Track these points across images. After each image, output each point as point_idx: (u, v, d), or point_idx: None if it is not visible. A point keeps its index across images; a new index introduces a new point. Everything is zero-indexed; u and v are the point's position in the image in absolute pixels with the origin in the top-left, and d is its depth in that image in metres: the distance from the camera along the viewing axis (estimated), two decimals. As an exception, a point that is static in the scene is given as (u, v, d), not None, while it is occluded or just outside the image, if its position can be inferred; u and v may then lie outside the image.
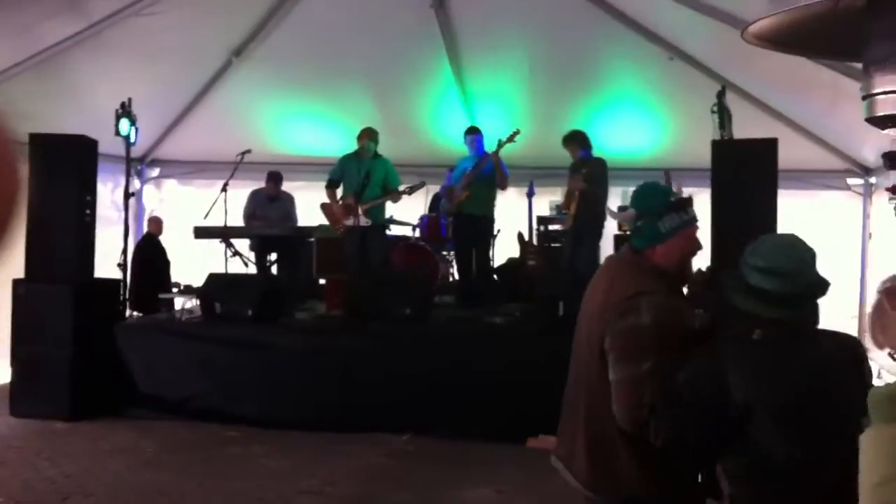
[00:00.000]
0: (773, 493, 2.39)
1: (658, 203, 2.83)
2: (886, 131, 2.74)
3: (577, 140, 8.76)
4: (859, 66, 2.85)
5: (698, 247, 2.87)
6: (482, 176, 8.82)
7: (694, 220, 2.84)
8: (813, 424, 2.37)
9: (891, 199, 2.77)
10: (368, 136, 8.69)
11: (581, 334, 2.90)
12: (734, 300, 2.52)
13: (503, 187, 8.99)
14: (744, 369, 2.41)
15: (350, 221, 8.57)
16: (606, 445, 2.73)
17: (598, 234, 8.74)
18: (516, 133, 8.75)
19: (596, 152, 8.89)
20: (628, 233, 9.04)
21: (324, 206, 8.98)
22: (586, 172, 8.38)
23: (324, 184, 8.96)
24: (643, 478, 2.70)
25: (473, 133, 9.12)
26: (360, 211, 8.55)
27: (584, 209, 8.49)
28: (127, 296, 8.57)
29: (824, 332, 2.57)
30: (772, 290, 2.44)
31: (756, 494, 2.42)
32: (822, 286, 2.46)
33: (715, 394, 2.42)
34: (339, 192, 8.90)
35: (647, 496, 2.72)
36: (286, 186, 10.42)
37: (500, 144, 8.73)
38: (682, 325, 2.69)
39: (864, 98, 2.74)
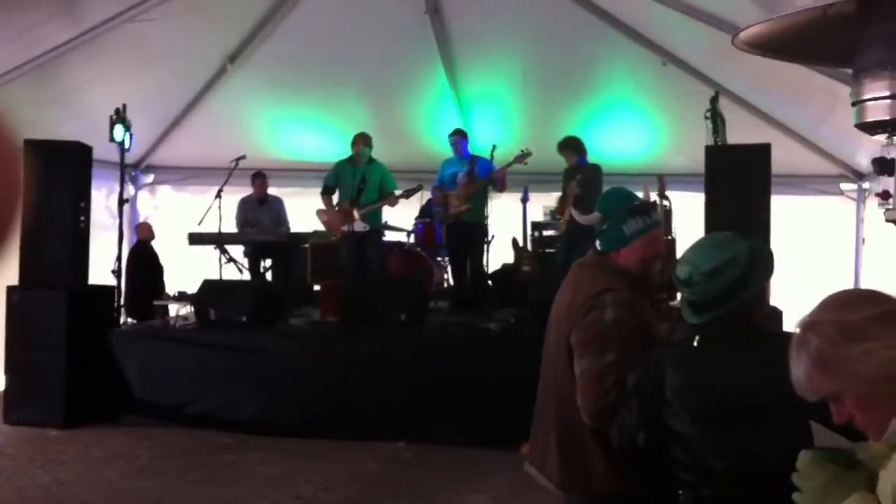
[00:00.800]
0: (713, 501, 2.38)
1: (622, 207, 2.88)
2: (875, 137, 2.76)
3: (572, 146, 8.81)
4: (851, 71, 2.87)
5: (662, 250, 2.96)
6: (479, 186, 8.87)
7: (657, 223, 2.93)
8: (749, 432, 2.33)
9: (881, 204, 2.78)
10: (362, 141, 8.70)
11: (550, 338, 2.97)
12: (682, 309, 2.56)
13: (502, 190, 9.03)
14: (677, 376, 2.43)
15: (347, 227, 8.58)
16: (577, 445, 2.78)
17: (592, 239, 8.75)
18: (527, 154, 8.80)
19: (590, 158, 8.92)
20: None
21: (320, 213, 8.99)
22: (581, 178, 8.40)
23: (318, 189, 8.97)
24: (615, 477, 2.73)
25: (459, 135, 9.12)
26: (356, 216, 8.55)
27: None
28: (121, 302, 8.56)
29: (771, 334, 2.55)
30: (690, 299, 2.48)
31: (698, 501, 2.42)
32: (739, 287, 2.43)
33: (652, 400, 2.46)
34: (335, 198, 8.90)
35: (619, 495, 2.75)
36: (281, 192, 10.41)
37: (510, 164, 8.78)
38: (645, 325, 2.75)
39: (853, 104, 2.76)
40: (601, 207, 2.96)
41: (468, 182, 8.82)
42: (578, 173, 8.60)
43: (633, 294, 2.78)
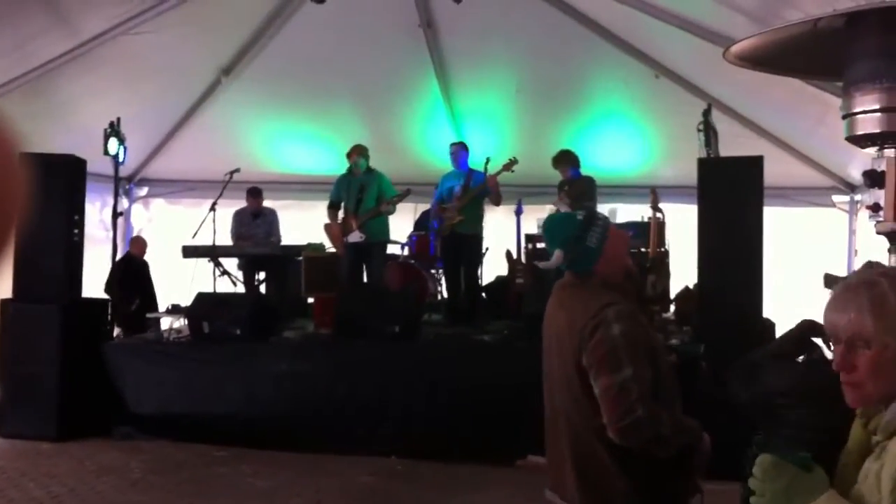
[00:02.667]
0: None
1: (571, 228, 2.86)
2: (866, 150, 2.78)
3: (567, 160, 8.88)
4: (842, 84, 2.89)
5: (624, 236, 2.96)
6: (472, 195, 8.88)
7: (605, 218, 2.92)
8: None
9: (871, 216, 2.79)
10: (357, 152, 8.72)
11: (552, 364, 2.91)
12: None
13: (498, 203, 9.04)
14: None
15: (345, 238, 8.58)
16: (595, 468, 2.73)
17: None
18: (514, 162, 8.82)
19: (583, 170, 8.97)
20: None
21: (326, 227, 8.99)
22: (569, 189, 8.47)
23: (312, 202, 8.98)
24: (635, 497, 2.69)
25: (460, 147, 9.11)
26: (355, 226, 8.55)
27: None
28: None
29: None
30: None
31: None
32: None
33: None
34: (341, 213, 8.90)
35: None
36: (275, 205, 10.41)
37: (499, 171, 8.80)
38: (646, 333, 2.75)
39: (844, 117, 2.78)
40: (555, 243, 2.91)
41: (463, 194, 8.84)
42: (566, 185, 8.70)
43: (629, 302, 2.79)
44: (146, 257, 10.33)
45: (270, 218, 10.18)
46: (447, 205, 8.90)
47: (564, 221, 2.96)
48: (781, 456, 1.72)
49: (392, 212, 8.87)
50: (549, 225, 3.09)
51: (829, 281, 2.78)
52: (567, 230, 2.87)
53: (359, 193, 8.62)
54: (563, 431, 2.83)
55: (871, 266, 2.33)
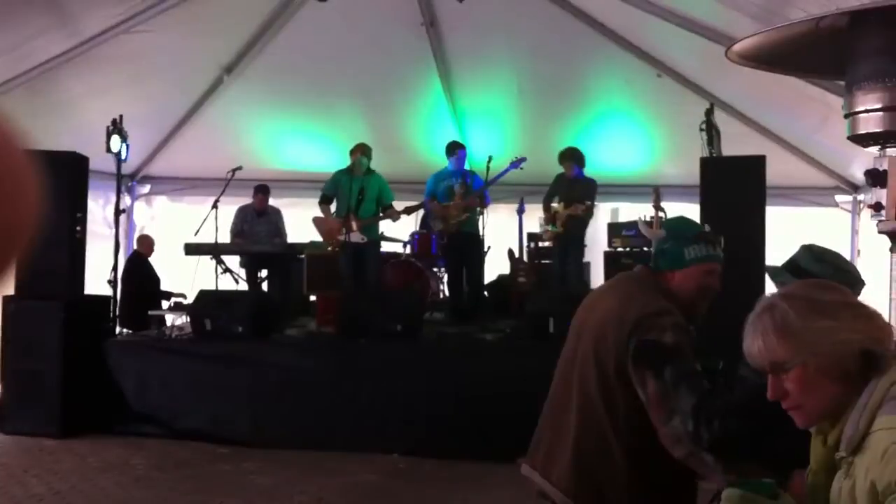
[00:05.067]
0: None
1: (690, 230, 2.84)
2: (868, 149, 2.78)
3: (572, 157, 8.96)
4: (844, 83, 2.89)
5: (717, 286, 2.81)
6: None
7: (720, 258, 2.81)
8: None
9: (873, 215, 2.79)
10: (361, 151, 8.69)
11: (582, 347, 2.82)
12: None
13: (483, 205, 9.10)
14: None
15: (344, 237, 8.57)
16: (599, 462, 2.70)
17: (581, 249, 9.23)
18: (523, 159, 8.93)
19: (586, 169, 9.02)
20: (619, 250, 9.18)
21: (316, 221, 8.99)
22: (580, 192, 8.64)
23: (315, 200, 8.97)
24: (633, 493, 2.66)
25: (461, 148, 9.12)
26: (355, 227, 8.55)
27: (574, 227, 8.78)
28: (117, 312, 8.56)
29: None
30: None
31: None
32: None
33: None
34: (332, 208, 8.90)
35: None
36: (277, 202, 10.42)
37: (506, 171, 8.97)
38: (692, 352, 2.64)
39: (846, 116, 2.78)
40: (668, 226, 2.94)
41: (465, 192, 8.86)
42: (571, 185, 8.82)
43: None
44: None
45: (275, 217, 10.18)
46: (448, 203, 8.92)
47: (692, 224, 2.94)
48: (746, 486, 1.76)
49: (398, 219, 8.91)
50: (682, 217, 3.14)
51: (773, 273, 2.77)
52: (685, 227, 2.87)
53: (358, 194, 8.61)
54: (572, 412, 2.78)
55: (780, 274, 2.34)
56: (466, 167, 9.20)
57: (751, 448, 2.57)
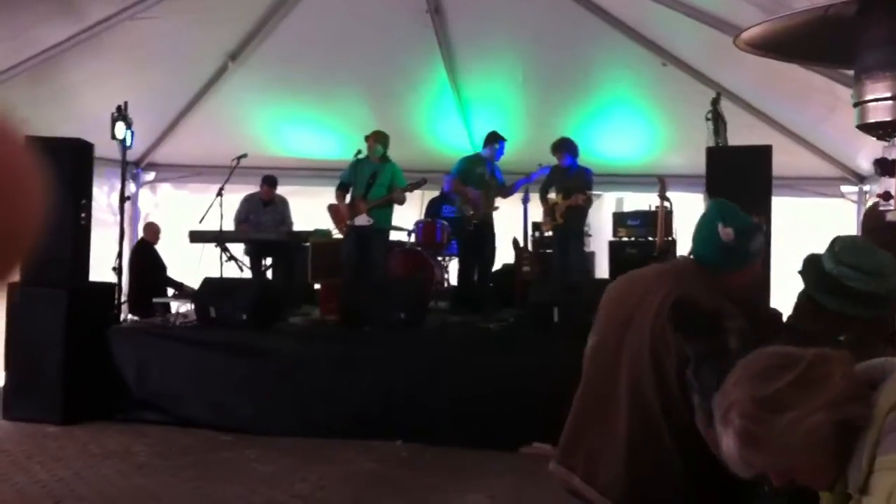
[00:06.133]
0: None
1: (747, 223, 2.64)
2: (877, 139, 2.76)
3: (563, 147, 8.96)
4: (852, 73, 2.86)
5: (758, 278, 2.73)
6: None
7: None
8: None
9: (882, 205, 2.77)
10: (375, 138, 8.68)
11: (632, 341, 2.64)
12: (823, 301, 2.40)
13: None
14: None
15: (350, 221, 8.56)
16: (654, 465, 2.56)
17: (582, 239, 9.39)
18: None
19: (590, 158, 9.01)
20: (623, 239, 9.13)
21: (331, 208, 8.98)
22: (576, 182, 8.62)
23: (319, 188, 8.96)
24: (692, 498, 2.55)
25: (503, 141, 9.07)
26: (363, 209, 8.53)
27: (573, 218, 8.78)
28: (122, 300, 8.56)
29: None
30: (873, 291, 2.34)
31: None
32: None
33: None
34: (349, 197, 8.87)
35: None
36: (281, 190, 10.40)
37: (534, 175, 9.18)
38: None
39: (855, 105, 2.76)
40: (733, 223, 2.61)
41: (495, 184, 8.92)
42: (565, 175, 8.94)
43: None
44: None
45: (282, 207, 10.15)
46: (483, 192, 8.91)
47: (742, 213, 2.69)
48: None
49: (404, 200, 8.87)
50: (735, 206, 2.74)
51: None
52: (745, 222, 2.65)
53: (370, 179, 8.60)
54: (626, 417, 2.60)
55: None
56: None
57: None
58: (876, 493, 1.53)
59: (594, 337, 2.83)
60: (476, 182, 8.90)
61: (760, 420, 1.56)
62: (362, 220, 8.54)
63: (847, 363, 1.62)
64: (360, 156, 8.69)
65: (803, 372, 1.58)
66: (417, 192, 9.40)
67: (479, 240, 9.02)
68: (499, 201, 9.35)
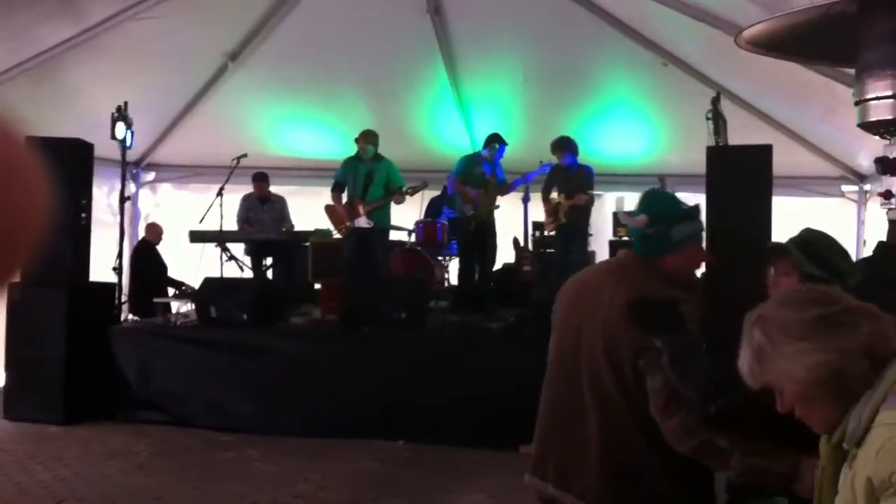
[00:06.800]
0: None
1: (671, 210, 2.72)
2: (878, 137, 2.76)
3: (563, 146, 8.93)
4: (853, 71, 2.86)
5: (705, 257, 2.81)
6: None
7: (703, 229, 2.77)
8: None
9: (883, 203, 2.77)
10: (365, 139, 8.68)
11: (586, 345, 2.68)
12: None
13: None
14: None
15: (350, 223, 8.55)
16: (628, 467, 2.58)
17: (585, 239, 9.34)
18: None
19: (591, 158, 8.99)
20: (624, 238, 9.12)
21: (328, 208, 8.97)
22: (578, 180, 8.62)
23: (319, 188, 8.96)
24: (672, 497, 2.56)
25: (504, 144, 9.01)
26: (362, 211, 8.53)
27: (576, 217, 8.77)
28: (123, 300, 8.56)
29: None
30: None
31: None
32: None
33: None
34: (345, 196, 8.87)
35: None
36: (282, 190, 10.40)
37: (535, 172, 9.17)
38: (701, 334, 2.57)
39: (856, 103, 2.76)
40: (648, 210, 2.75)
41: (495, 182, 8.91)
42: (566, 174, 8.90)
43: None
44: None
45: (280, 205, 10.14)
46: (483, 191, 8.89)
47: (671, 200, 2.81)
48: None
49: (403, 202, 8.87)
50: (657, 194, 2.99)
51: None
52: (666, 208, 2.74)
53: (366, 179, 8.60)
54: (593, 421, 2.62)
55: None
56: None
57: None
58: (868, 445, 1.58)
59: (552, 344, 2.90)
60: (475, 181, 8.89)
61: (774, 341, 1.65)
62: (362, 222, 8.54)
63: (885, 326, 1.65)
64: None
65: (833, 313, 1.65)
66: (419, 192, 9.40)
67: (479, 239, 9.00)
68: (499, 200, 9.33)
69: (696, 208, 2.80)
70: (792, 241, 2.65)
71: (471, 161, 9.06)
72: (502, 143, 8.98)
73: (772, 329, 1.66)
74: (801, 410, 1.68)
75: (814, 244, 2.59)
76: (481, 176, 8.89)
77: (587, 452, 2.62)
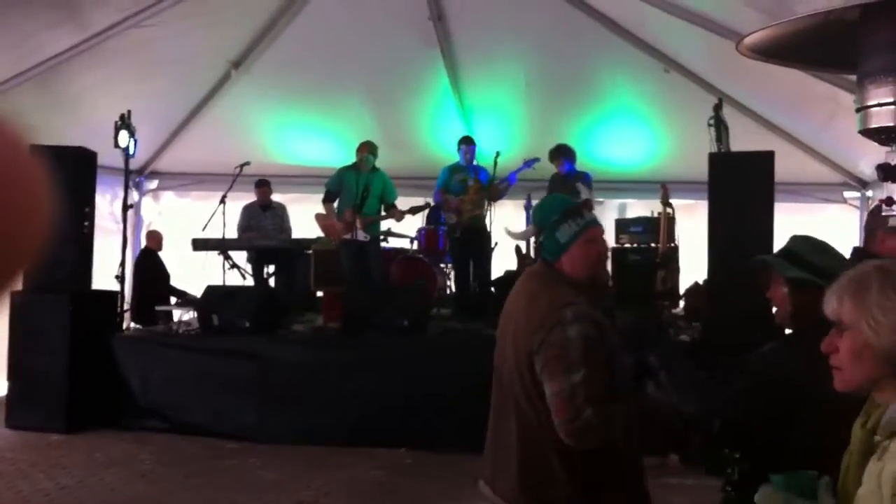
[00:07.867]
0: None
1: (552, 214, 2.82)
2: (879, 143, 2.76)
3: (563, 153, 8.94)
4: (854, 78, 2.86)
5: (604, 249, 2.87)
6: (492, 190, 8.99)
7: (591, 223, 2.81)
8: None
9: (885, 211, 2.77)
10: (368, 149, 8.66)
11: (505, 353, 2.84)
12: None
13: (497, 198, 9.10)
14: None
15: (349, 235, 8.54)
16: (541, 468, 2.67)
17: None
18: (536, 160, 8.97)
19: (592, 165, 9.00)
20: (626, 246, 9.12)
21: (319, 217, 8.97)
22: (579, 183, 8.64)
23: (321, 196, 8.94)
24: (577, 501, 2.65)
25: (472, 144, 9.08)
26: (360, 226, 8.52)
27: None
28: (125, 308, 8.57)
29: None
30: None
31: None
32: None
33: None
34: (335, 204, 8.87)
35: None
36: (284, 198, 10.40)
37: (520, 169, 8.96)
38: (603, 335, 2.64)
39: (857, 110, 2.75)
40: (535, 218, 2.92)
41: (479, 187, 8.86)
42: (565, 182, 8.83)
43: (587, 302, 2.69)
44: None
45: (280, 213, 10.14)
46: (463, 197, 8.89)
47: (554, 205, 2.91)
48: (784, 479, 1.76)
49: (402, 220, 8.89)
50: (544, 201, 3.11)
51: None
52: (549, 213, 2.84)
53: (363, 191, 8.57)
54: (511, 421, 2.75)
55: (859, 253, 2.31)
56: (474, 163, 9.17)
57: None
58: None
59: (495, 350, 3.00)
60: (455, 189, 8.93)
61: (884, 293, 1.69)
62: (360, 235, 8.53)
63: None
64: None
65: None
66: (420, 200, 9.41)
67: (467, 245, 8.99)
68: (500, 206, 9.31)
69: (578, 205, 2.93)
70: (778, 251, 2.69)
71: (450, 170, 9.10)
72: (471, 143, 9.02)
73: (888, 282, 1.69)
74: (843, 357, 1.72)
75: (792, 248, 2.63)
76: (462, 183, 8.91)
77: (511, 455, 2.74)
